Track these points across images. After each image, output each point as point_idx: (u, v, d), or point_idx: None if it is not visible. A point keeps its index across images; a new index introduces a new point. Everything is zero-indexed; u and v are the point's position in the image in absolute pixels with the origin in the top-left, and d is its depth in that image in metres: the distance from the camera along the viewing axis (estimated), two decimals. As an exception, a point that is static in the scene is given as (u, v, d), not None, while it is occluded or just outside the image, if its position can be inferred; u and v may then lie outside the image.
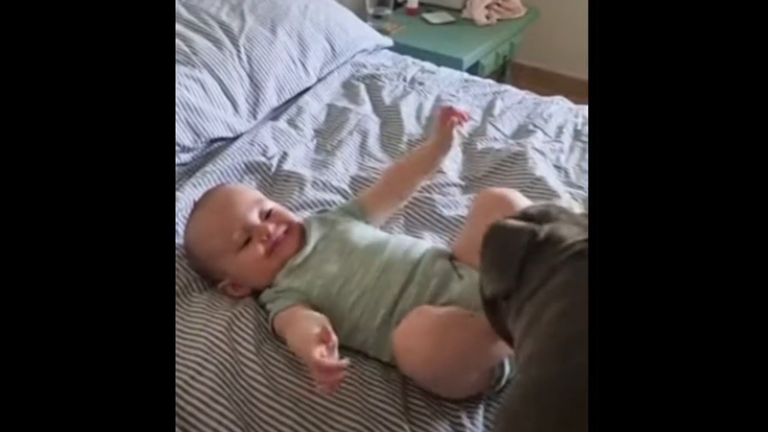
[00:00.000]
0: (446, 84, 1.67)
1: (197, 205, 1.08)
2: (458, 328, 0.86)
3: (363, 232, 1.06)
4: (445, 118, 1.20)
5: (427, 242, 1.11)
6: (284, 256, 1.03)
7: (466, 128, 1.48)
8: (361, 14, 2.02)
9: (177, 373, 0.89)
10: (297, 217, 1.11)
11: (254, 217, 1.04)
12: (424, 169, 1.22)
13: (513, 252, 0.69)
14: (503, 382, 0.91)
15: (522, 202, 1.04)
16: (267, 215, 1.06)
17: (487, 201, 1.06)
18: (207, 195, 1.10)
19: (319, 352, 0.82)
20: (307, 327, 0.89)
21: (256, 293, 1.04)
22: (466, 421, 0.88)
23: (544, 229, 0.69)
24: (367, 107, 1.56)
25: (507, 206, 1.00)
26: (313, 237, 1.05)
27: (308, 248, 1.03)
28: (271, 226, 1.03)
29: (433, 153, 1.22)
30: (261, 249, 1.02)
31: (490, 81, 1.73)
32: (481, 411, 0.90)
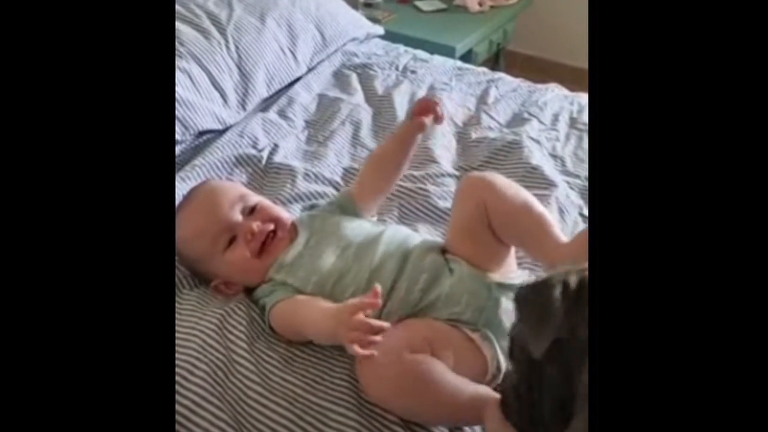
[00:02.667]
0: (439, 72, 1.64)
1: (180, 206, 1.04)
2: (427, 375, 0.82)
3: (357, 227, 1.04)
4: (421, 111, 1.12)
5: (420, 235, 1.09)
6: (275, 254, 1.00)
7: (460, 117, 1.45)
8: (352, 2, 1.99)
9: (167, 374, 0.87)
10: (287, 213, 1.08)
11: (236, 215, 1.01)
12: (403, 148, 1.13)
13: (551, 308, 0.67)
14: (500, 378, 0.90)
15: (506, 186, 1.00)
16: (251, 211, 1.02)
17: (471, 185, 1.01)
18: (189, 194, 1.06)
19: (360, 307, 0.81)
20: (323, 304, 0.89)
21: (249, 290, 1.01)
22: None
23: (572, 279, 0.68)
24: (359, 97, 1.53)
25: (490, 190, 0.97)
26: (305, 232, 1.02)
27: (299, 244, 1.01)
28: (255, 224, 1.00)
29: (408, 131, 1.13)
30: (247, 248, 0.99)
31: (484, 69, 1.71)
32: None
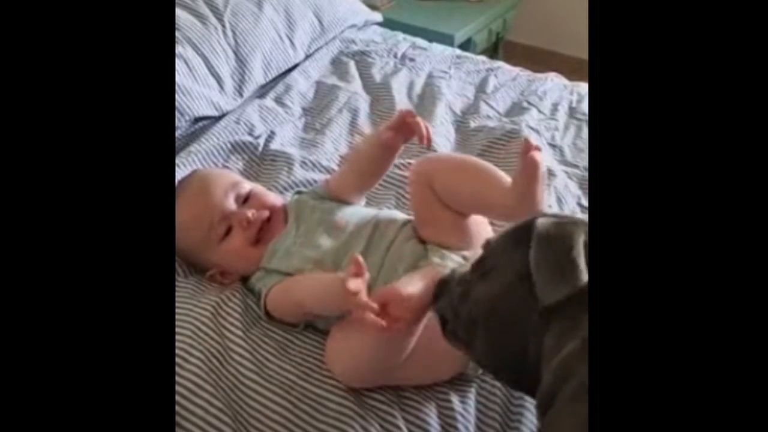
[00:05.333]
0: (438, 60, 1.63)
1: None
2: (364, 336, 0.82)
3: (347, 214, 1.02)
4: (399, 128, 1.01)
5: (404, 218, 1.04)
6: (271, 240, 0.99)
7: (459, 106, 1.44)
8: (350, -11, 1.97)
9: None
10: (280, 199, 1.07)
11: (231, 204, 1.00)
12: (385, 156, 1.06)
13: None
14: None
15: (444, 162, 0.98)
16: (245, 199, 1.01)
17: (414, 173, 0.98)
18: (181, 183, 1.04)
19: (354, 284, 0.78)
20: (323, 275, 0.89)
21: (244, 279, 1.01)
22: (457, 406, 0.86)
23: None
24: (356, 84, 1.52)
25: (430, 172, 0.96)
26: (295, 219, 1.01)
27: (290, 232, 1.00)
28: (250, 212, 0.99)
29: (385, 144, 1.03)
30: (243, 237, 0.98)
31: (483, 57, 1.70)
32: (473, 395, 0.88)
